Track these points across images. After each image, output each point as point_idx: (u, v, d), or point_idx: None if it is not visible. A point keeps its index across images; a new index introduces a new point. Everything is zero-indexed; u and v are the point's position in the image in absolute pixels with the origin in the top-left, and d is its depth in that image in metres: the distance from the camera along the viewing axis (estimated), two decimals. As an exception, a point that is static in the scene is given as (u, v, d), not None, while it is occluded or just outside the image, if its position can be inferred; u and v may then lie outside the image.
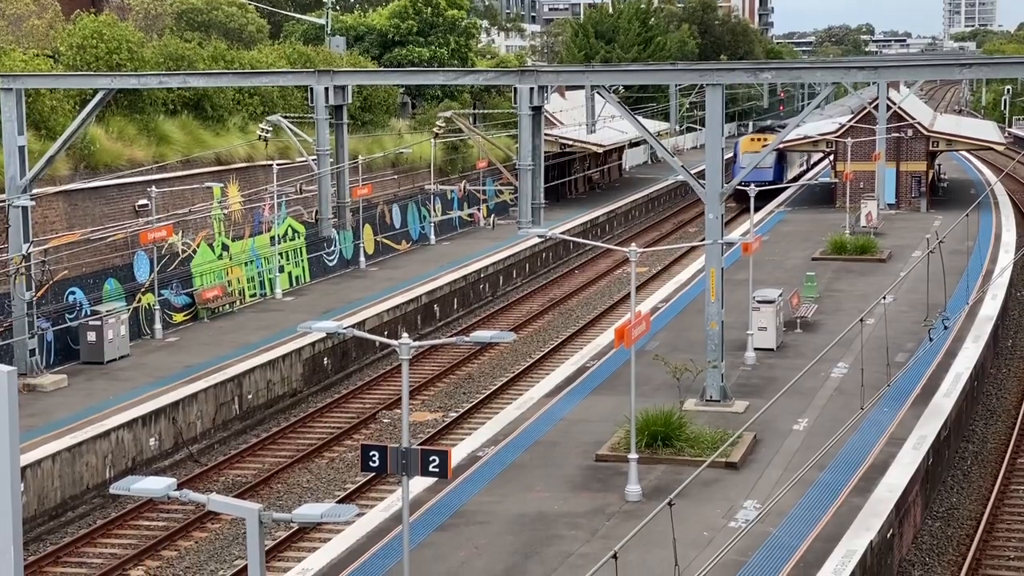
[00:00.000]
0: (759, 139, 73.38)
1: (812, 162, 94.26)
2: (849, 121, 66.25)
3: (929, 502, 28.59)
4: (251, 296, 45.70)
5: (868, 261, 50.70)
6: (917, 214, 64.24)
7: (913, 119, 66.01)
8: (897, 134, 64.62)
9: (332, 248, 50.98)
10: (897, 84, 68.95)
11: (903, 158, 65.85)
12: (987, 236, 56.11)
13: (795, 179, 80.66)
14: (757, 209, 55.38)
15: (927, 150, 66.20)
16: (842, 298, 43.74)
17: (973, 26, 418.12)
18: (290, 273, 48.32)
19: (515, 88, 31.27)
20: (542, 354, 43.10)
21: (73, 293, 37.41)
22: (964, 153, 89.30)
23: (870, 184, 63.50)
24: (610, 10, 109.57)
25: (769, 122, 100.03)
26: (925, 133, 65.83)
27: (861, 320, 30.56)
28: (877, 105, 63.48)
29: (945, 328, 32.00)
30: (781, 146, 67.02)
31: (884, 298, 33.04)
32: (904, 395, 31.32)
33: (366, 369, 41.68)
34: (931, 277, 38.96)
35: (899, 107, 65.30)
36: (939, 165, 76.02)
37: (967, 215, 46.85)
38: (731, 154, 77.15)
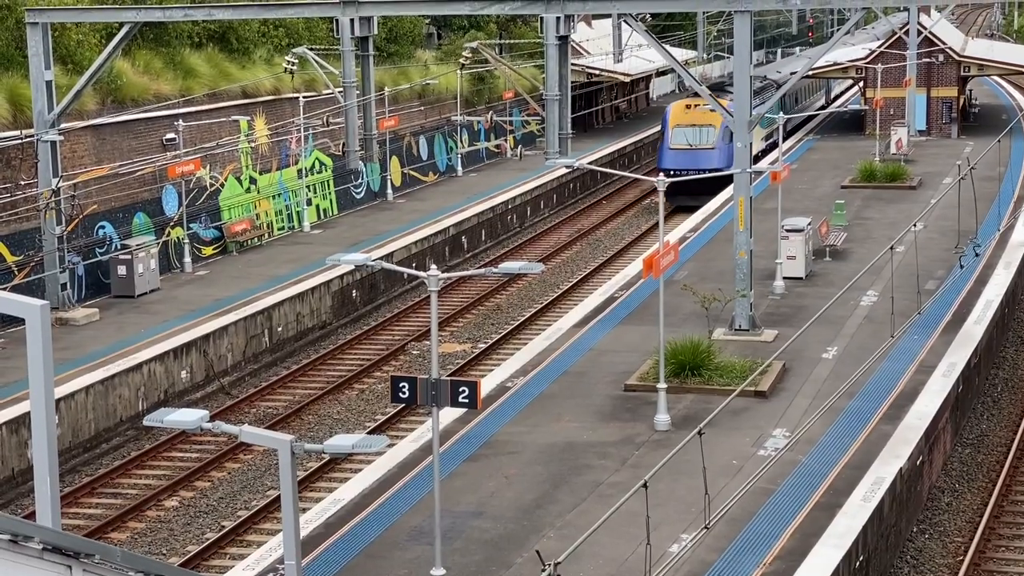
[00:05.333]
0: (697, 104, 53.55)
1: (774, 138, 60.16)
2: (879, 47, 65.55)
3: (959, 429, 28.58)
4: (279, 229, 45.79)
5: (898, 188, 50.33)
6: (948, 140, 63.65)
7: (944, 44, 65.22)
8: (928, 59, 63.90)
9: (359, 180, 50.94)
10: (928, 8, 68.09)
11: (934, 84, 65.14)
12: (1019, 162, 55.56)
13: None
14: (692, 210, 48.09)
15: (958, 75, 65.45)
16: (872, 226, 43.51)
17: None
18: (318, 206, 48.34)
19: (541, 18, 31.05)
20: (570, 285, 43.10)
21: (103, 227, 37.57)
22: (996, 78, 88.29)
23: (900, 110, 62.90)
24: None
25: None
26: (956, 58, 65.06)
27: (891, 248, 30.43)
28: (908, 30, 62.75)
29: (976, 255, 31.82)
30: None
31: (914, 225, 32.88)
32: (934, 322, 31.22)
33: (395, 301, 41.80)
34: (962, 204, 38.68)
35: (930, 32, 64.51)
36: (970, 90, 75.19)
37: (999, 141, 46.44)
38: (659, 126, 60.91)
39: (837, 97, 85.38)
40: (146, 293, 36.84)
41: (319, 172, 48.50)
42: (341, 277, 38.97)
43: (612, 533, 19.19)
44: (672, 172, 51.00)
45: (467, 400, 17.43)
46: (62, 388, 28.08)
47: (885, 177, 51.27)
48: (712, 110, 51.21)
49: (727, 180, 50.63)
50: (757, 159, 53.50)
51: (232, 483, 27.36)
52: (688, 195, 46.89)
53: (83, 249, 36.35)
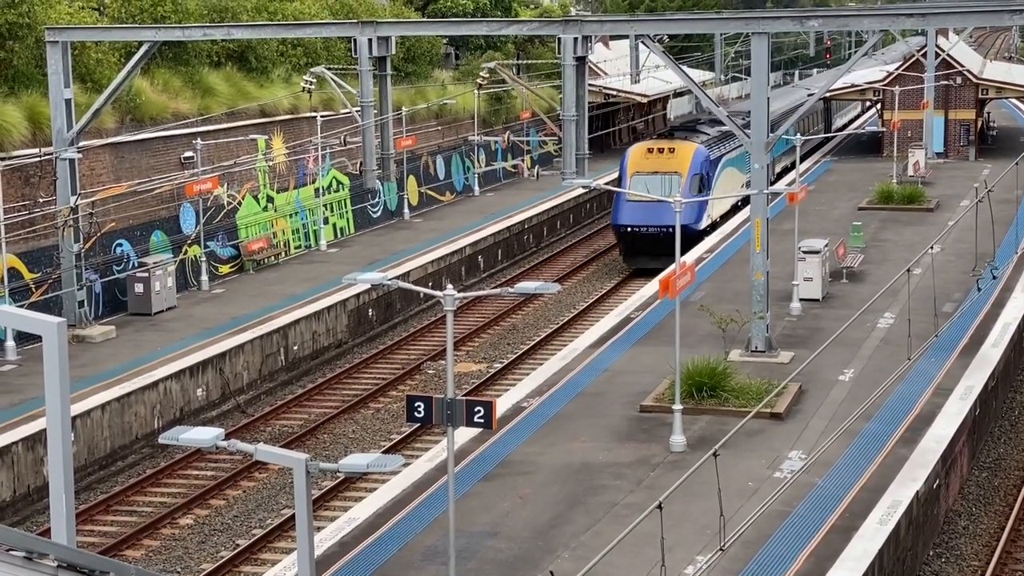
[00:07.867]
0: (661, 148, 47.28)
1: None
2: (897, 69, 65.50)
3: (976, 452, 28.45)
4: (296, 248, 45.88)
5: (915, 210, 50.25)
6: (966, 163, 63.54)
7: (962, 66, 65.13)
8: (946, 82, 63.83)
9: (376, 199, 51.03)
10: (946, 31, 68.02)
11: (952, 106, 65.04)
12: (1037, 185, 55.42)
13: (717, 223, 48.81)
14: (653, 273, 40.21)
15: (976, 98, 65.34)
16: (889, 248, 43.42)
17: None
18: (335, 225, 48.43)
19: (559, 38, 31.10)
20: (586, 305, 43.07)
21: (120, 245, 37.68)
22: (1014, 101, 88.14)
23: (918, 133, 62.82)
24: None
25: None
26: (974, 81, 64.97)
27: (908, 270, 30.34)
28: (925, 53, 62.70)
29: (994, 278, 31.71)
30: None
31: (931, 248, 32.81)
32: (951, 345, 31.12)
33: (411, 320, 41.81)
34: (979, 226, 38.56)
35: (948, 54, 64.44)
36: (988, 113, 75.05)
37: (1016, 164, 46.27)
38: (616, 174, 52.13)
39: (840, 128, 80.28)
40: (163, 311, 36.92)
41: (336, 191, 48.59)
42: (357, 296, 39.01)
43: (627, 554, 19.14)
44: (629, 230, 45.60)
45: (482, 420, 17.42)
46: (78, 405, 28.14)
47: (902, 199, 51.21)
48: (671, 151, 46.49)
49: (696, 238, 45.08)
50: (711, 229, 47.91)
51: (247, 501, 27.36)
52: (648, 255, 39.92)
53: (100, 267, 36.46)
